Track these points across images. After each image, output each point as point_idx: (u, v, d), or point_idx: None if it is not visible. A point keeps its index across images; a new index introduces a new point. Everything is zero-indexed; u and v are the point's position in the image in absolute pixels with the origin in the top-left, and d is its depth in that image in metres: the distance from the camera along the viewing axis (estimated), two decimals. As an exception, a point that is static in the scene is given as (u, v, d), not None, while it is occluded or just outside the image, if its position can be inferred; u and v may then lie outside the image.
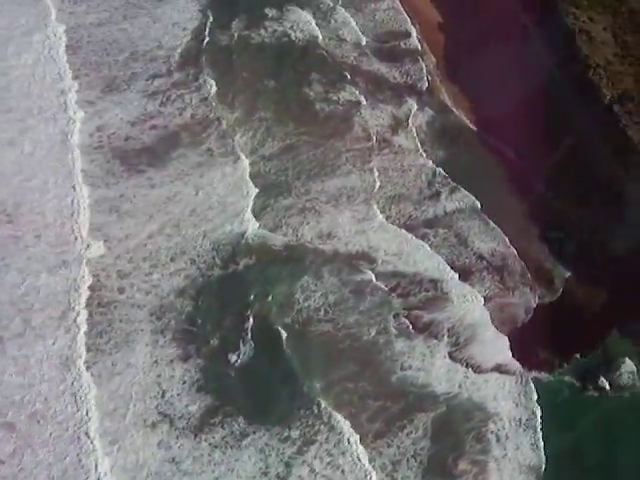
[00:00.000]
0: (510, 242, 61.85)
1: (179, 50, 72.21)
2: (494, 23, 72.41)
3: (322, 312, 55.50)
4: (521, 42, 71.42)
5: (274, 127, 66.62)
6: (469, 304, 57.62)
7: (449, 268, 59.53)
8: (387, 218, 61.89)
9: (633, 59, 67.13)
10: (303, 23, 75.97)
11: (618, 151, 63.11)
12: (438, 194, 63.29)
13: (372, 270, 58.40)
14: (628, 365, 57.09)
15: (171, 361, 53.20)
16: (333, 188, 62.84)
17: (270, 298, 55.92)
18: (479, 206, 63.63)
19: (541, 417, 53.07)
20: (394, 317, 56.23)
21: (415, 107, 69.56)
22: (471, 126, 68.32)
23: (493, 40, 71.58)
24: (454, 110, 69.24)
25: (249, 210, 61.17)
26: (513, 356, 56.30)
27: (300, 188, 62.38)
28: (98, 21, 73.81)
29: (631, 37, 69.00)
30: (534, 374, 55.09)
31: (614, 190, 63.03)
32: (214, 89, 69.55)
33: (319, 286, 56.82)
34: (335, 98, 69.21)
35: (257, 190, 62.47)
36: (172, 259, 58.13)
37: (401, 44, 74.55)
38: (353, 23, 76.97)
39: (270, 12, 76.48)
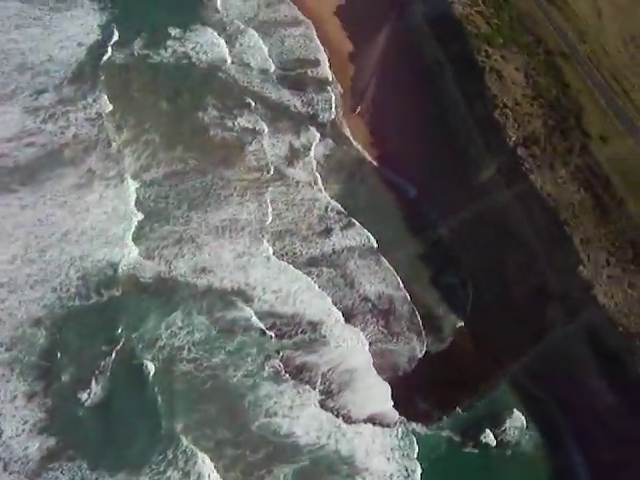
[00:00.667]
0: (402, 284, 63.54)
1: (72, 66, 74.35)
2: (403, 58, 75.89)
3: (185, 351, 56.66)
4: (431, 78, 74.78)
5: (161, 151, 68.56)
6: (349, 349, 59.36)
7: (332, 309, 61.17)
8: (272, 253, 63.35)
9: (543, 101, 70.96)
10: (207, 45, 78.86)
11: (520, 195, 66.02)
12: (329, 231, 65.50)
13: (247, 308, 59.56)
14: (516, 419, 58.89)
15: (14, 397, 53.38)
16: (217, 219, 64.71)
17: (133, 334, 56.73)
18: (375, 244, 65.51)
19: (421, 474, 53.98)
20: (265, 359, 57.38)
21: (316, 138, 72.05)
22: (372, 161, 71.25)
23: (402, 75, 75.18)
24: (355, 144, 72.00)
25: (127, 238, 62.13)
26: (393, 406, 57.41)
27: (180, 218, 64.11)
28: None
29: (544, 79, 73.10)
30: (413, 426, 56.06)
31: (515, 238, 65.74)
32: (106, 108, 70.88)
33: (186, 323, 58.09)
34: (230, 125, 71.59)
35: (138, 217, 63.33)
36: (32, 286, 58.83)
37: (309, 72, 77.86)
38: (262, 47, 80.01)
39: (173, 31, 79.21)
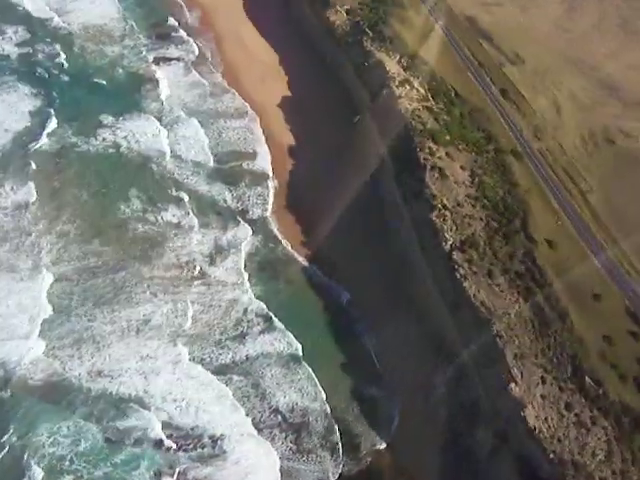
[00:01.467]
0: (323, 395, 64.99)
1: (-5, 152, 78.88)
2: (344, 151, 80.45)
3: (68, 462, 57.93)
4: (372, 175, 78.97)
5: (76, 244, 72.50)
6: (252, 466, 60.17)
7: (238, 422, 62.52)
8: (179, 358, 65.35)
9: (487, 202, 74.51)
10: (141, 134, 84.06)
11: (453, 304, 68.31)
12: (244, 335, 67.98)
13: (142, 418, 61.07)
14: None
15: None
16: (124, 319, 67.44)
17: (20, 440, 58.30)
18: (298, 350, 67.43)
19: None
20: (156, 474, 58.46)
21: (243, 235, 75.52)
22: (302, 261, 73.87)
23: (341, 169, 79.44)
24: (285, 242, 75.30)
25: (32, 335, 64.92)
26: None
27: (83, 315, 67.11)
28: None
29: (490, 178, 77.02)
30: None
31: (445, 350, 67.65)
32: (28, 198, 75.45)
33: (72, 431, 59.84)
34: (153, 218, 75.47)
35: (47, 312, 66.11)
36: None
37: (245, 165, 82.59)
38: (201, 139, 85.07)
39: (106, 119, 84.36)
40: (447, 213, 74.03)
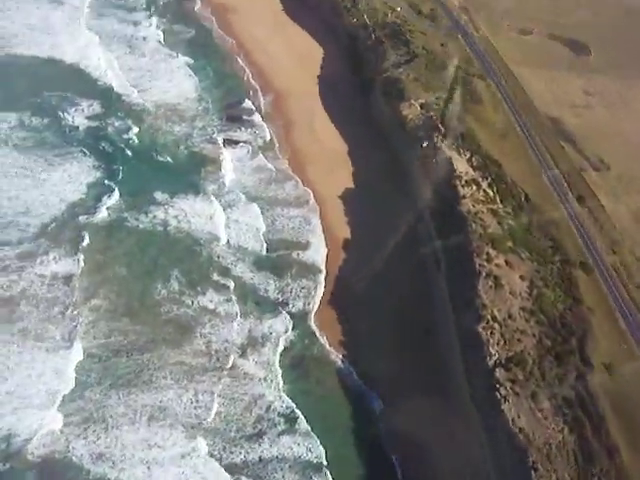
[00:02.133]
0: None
1: (45, 221, 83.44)
2: (400, 249, 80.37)
3: None
4: (424, 276, 78.14)
5: (104, 320, 74.53)
6: None
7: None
8: (189, 453, 65.20)
9: (544, 317, 71.86)
10: (193, 214, 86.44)
11: (488, 427, 65.55)
12: (261, 435, 66.77)
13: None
14: None
15: None
16: (139, 403, 68.01)
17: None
18: (321, 457, 66.11)
19: None
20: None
21: (279, 328, 75.29)
22: (337, 361, 73.48)
23: (392, 272, 79.51)
24: (323, 340, 74.96)
25: (51, 408, 66.32)
26: None
27: (98, 394, 68.11)
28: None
29: (552, 291, 74.54)
30: None
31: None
32: (67, 269, 78.41)
33: (61, 516, 59.64)
34: (189, 302, 76.84)
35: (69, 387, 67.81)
36: None
37: (295, 255, 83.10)
38: (256, 224, 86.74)
39: (161, 196, 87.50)
40: (496, 325, 71.87)
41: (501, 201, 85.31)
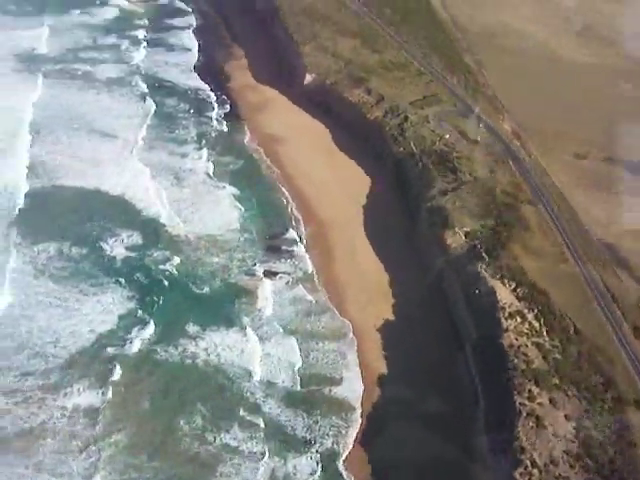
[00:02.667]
0: None
1: (72, 353, 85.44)
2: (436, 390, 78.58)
3: None
4: (459, 406, 75.81)
5: (120, 455, 75.06)
6: None
7: None
8: None
9: (591, 462, 68.84)
10: (224, 347, 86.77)
11: None
12: None
13: None
14: None
15: None
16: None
17: None
18: None
19: None
20: None
21: (304, 470, 73.60)
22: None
23: (428, 416, 77.36)
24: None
25: None
26: None
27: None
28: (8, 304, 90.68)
29: (600, 434, 70.82)
30: None
31: None
32: (90, 401, 79.14)
33: None
34: (211, 438, 76.06)
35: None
36: None
37: (326, 391, 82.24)
38: (290, 358, 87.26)
39: (193, 329, 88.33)
40: (535, 472, 68.54)
41: (548, 334, 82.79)
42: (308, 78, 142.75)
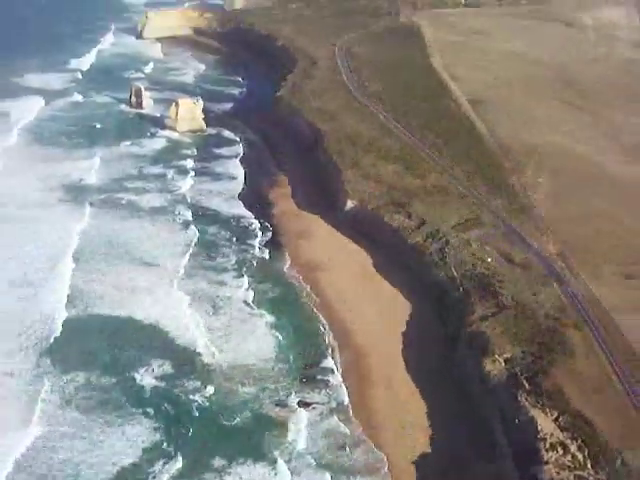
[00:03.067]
0: None
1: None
2: None
3: None
4: None
5: None
6: None
7: None
8: None
9: None
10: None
11: None
12: None
13: None
14: None
15: None
16: None
17: None
18: None
19: None
20: None
21: None
22: None
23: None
24: None
25: None
26: None
27: None
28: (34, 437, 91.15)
29: None
30: None
31: None
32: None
33: None
34: None
35: None
36: None
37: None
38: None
39: (218, 462, 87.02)
40: None
41: (592, 467, 78.94)
42: (349, 204, 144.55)
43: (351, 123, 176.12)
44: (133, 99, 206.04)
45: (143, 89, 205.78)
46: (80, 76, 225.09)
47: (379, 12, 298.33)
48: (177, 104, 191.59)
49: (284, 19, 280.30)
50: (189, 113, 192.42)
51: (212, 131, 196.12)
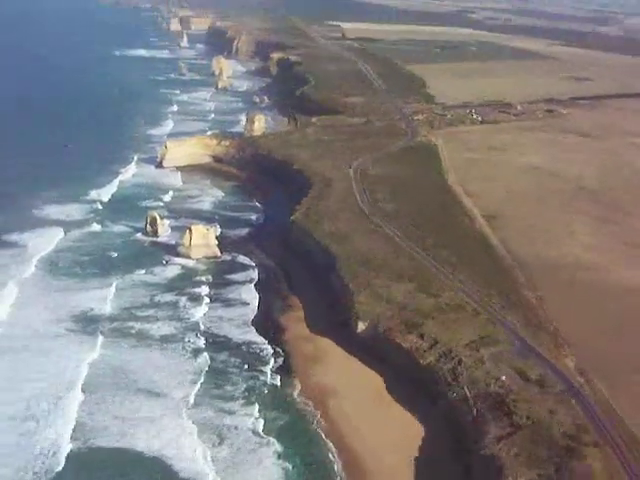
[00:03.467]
0: None
1: None
2: None
3: None
4: None
5: None
6: None
7: None
8: None
9: None
10: None
11: None
12: None
13: None
14: None
15: None
16: None
17: None
18: None
19: None
20: None
21: None
22: None
23: None
24: None
25: None
26: None
27: None
28: None
29: None
30: None
31: None
32: None
33: None
34: None
35: None
36: None
37: None
38: None
39: None
40: None
41: None
42: (361, 326, 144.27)
43: (364, 244, 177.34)
44: (148, 227, 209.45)
45: (158, 217, 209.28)
46: (100, 207, 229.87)
47: (396, 133, 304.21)
48: (190, 231, 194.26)
49: (301, 144, 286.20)
50: (203, 239, 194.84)
51: (227, 257, 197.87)
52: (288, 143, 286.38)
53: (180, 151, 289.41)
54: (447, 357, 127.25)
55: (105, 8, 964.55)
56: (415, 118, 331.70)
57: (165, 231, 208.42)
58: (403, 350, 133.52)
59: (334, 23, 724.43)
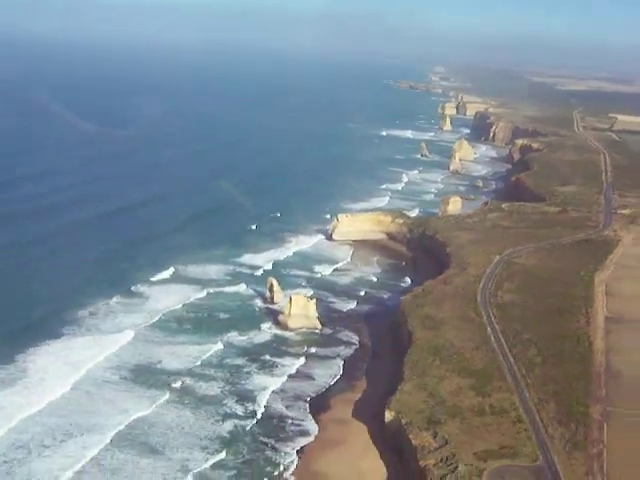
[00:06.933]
0: None
1: None
2: None
3: None
4: None
5: None
6: None
7: None
8: None
9: None
10: None
11: None
12: None
13: None
14: None
15: None
16: None
17: None
18: None
19: None
20: None
21: None
22: None
23: None
24: None
25: None
26: None
27: None
28: None
29: None
30: None
31: None
32: None
33: None
34: None
35: None
36: None
37: None
38: None
39: None
40: None
41: None
42: (388, 416, 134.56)
43: (451, 333, 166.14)
44: (267, 293, 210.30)
45: (275, 284, 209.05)
46: (258, 274, 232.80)
47: (585, 225, 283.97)
48: (290, 300, 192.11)
49: (472, 227, 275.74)
50: (302, 310, 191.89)
51: (328, 330, 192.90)
52: (458, 226, 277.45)
53: (351, 225, 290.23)
54: (446, 462, 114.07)
55: (398, 90, 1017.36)
56: (619, 212, 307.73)
57: (281, 298, 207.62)
58: (412, 447, 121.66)
59: (614, 115, 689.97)
